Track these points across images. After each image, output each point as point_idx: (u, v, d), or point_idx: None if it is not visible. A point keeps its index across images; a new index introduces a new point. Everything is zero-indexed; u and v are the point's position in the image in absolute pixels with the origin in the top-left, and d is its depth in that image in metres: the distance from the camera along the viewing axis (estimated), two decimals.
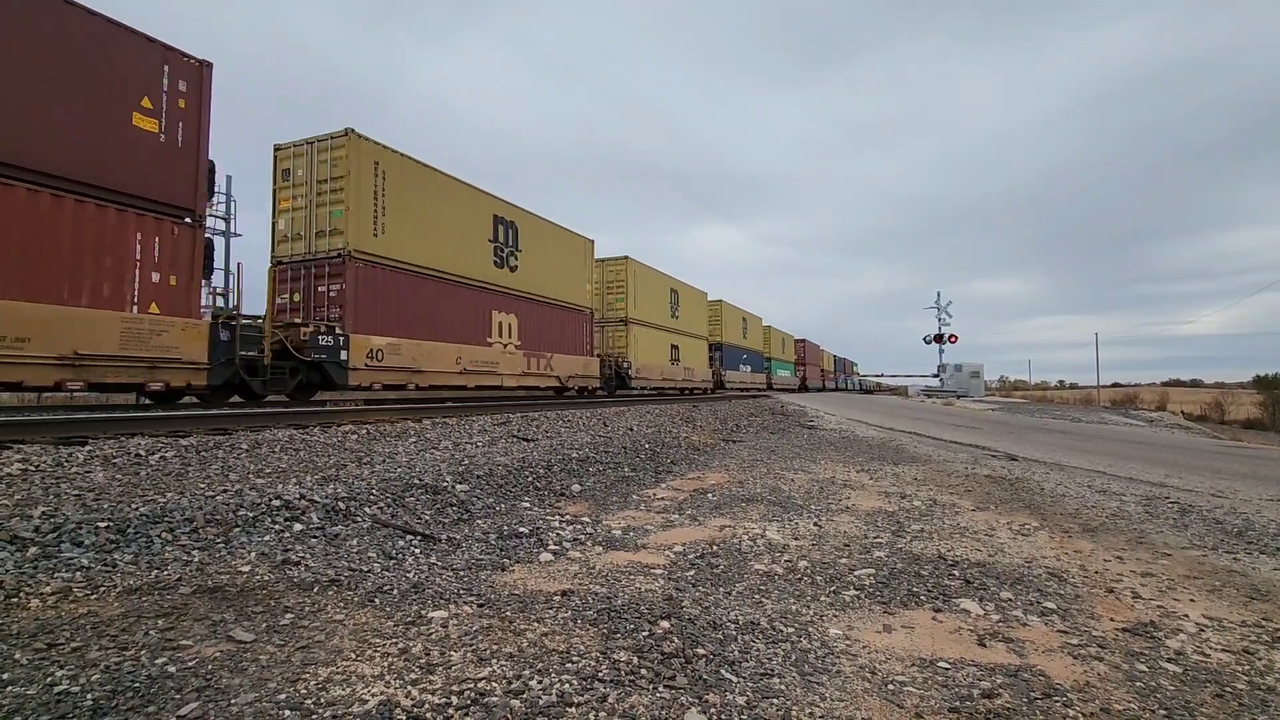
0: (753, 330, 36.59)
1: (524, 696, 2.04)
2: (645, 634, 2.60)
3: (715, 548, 4.16)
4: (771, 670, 2.36)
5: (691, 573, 3.63)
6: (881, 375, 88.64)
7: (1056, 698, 2.23)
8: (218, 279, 10.38)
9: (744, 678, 2.29)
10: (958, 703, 2.17)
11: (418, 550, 3.95)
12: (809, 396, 33.46)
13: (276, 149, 11.70)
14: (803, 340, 49.00)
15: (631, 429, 10.55)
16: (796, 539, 4.45)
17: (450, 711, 1.94)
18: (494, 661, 2.30)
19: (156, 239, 7.97)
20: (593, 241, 19.22)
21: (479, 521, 4.80)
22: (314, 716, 1.89)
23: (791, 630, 2.78)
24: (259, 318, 9.77)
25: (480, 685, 2.10)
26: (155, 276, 7.97)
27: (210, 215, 9.74)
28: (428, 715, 1.91)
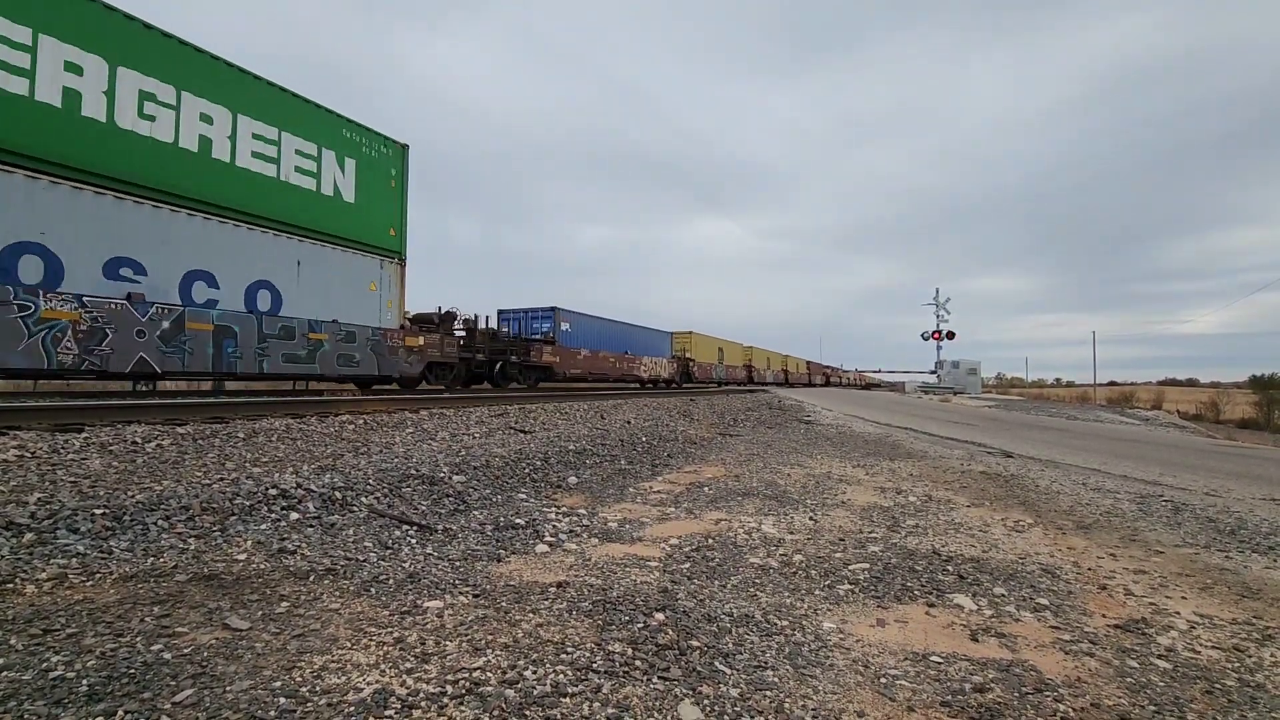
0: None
1: (518, 686, 2.05)
2: (640, 626, 2.62)
3: (711, 541, 4.17)
4: (765, 663, 2.38)
5: (687, 565, 3.64)
6: (879, 370, 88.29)
7: (1047, 693, 2.24)
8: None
9: (737, 670, 2.30)
10: (950, 696, 2.19)
11: (414, 540, 3.96)
12: (806, 392, 33.48)
13: None
14: None
15: (629, 422, 10.56)
16: (791, 533, 4.47)
17: (445, 701, 1.95)
18: (489, 651, 2.31)
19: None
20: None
21: (475, 512, 4.81)
22: (309, 704, 1.90)
23: (785, 623, 2.80)
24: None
25: (475, 675, 2.11)
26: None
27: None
28: (422, 704, 1.92)
